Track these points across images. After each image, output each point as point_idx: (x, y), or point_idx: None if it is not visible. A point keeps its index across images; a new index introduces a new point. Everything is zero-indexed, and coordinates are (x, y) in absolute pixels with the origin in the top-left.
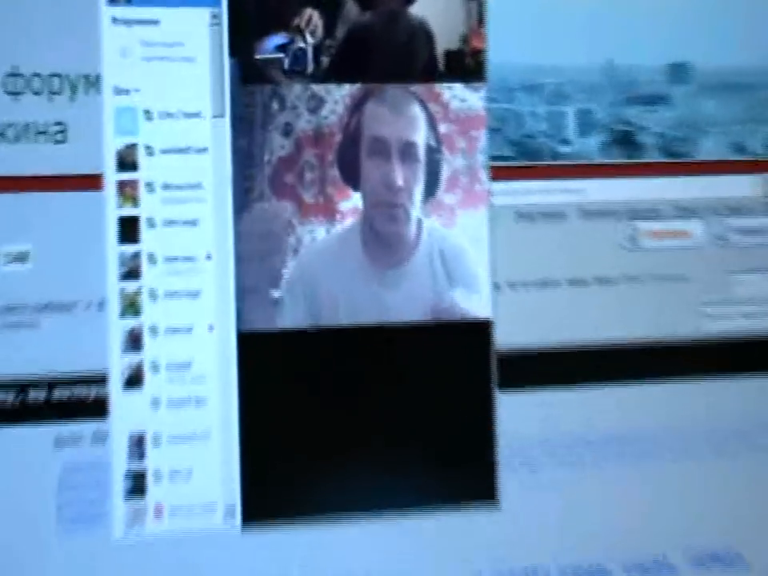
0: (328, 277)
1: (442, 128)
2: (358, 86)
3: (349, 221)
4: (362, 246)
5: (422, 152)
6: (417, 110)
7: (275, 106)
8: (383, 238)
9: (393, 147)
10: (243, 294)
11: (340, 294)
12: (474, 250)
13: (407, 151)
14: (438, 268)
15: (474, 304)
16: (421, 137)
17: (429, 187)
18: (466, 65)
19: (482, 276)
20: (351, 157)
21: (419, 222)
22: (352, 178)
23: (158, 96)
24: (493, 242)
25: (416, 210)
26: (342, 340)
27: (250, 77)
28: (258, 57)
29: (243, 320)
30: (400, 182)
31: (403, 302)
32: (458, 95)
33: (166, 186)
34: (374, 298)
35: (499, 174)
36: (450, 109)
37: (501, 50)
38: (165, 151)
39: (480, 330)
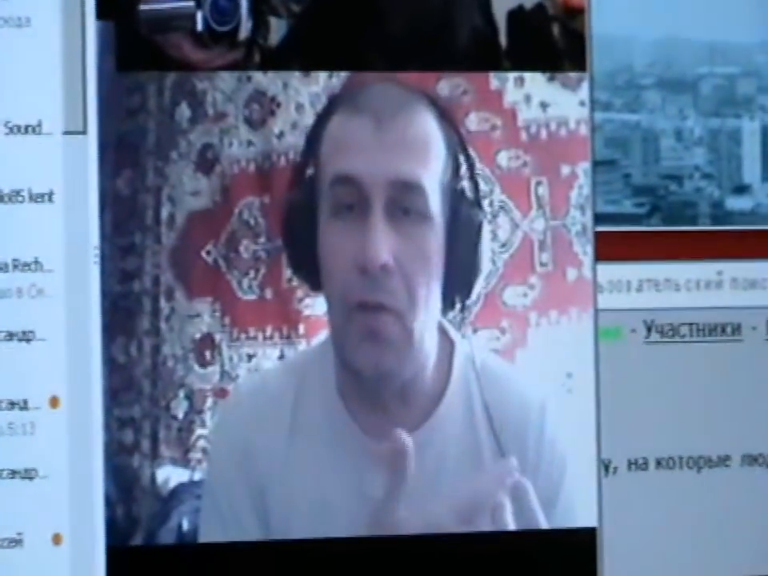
0: (278, 448)
1: (502, 157)
2: (344, 75)
3: (321, 337)
4: (337, 389)
5: (434, 201)
6: (424, 123)
7: (183, 112)
8: (365, 378)
9: (372, 193)
10: (120, 478)
11: (301, 480)
12: (560, 400)
13: (401, 200)
14: (484, 437)
15: (563, 503)
16: (433, 173)
17: (459, 273)
18: (553, 38)
19: (579, 450)
20: (304, 223)
21: (447, 343)
22: (307, 266)
23: None
24: (606, 384)
25: (425, 316)
26: (305, 564)
27: (132, 56)
28: (146, 9)
29: (118, 527)
30: (383, 256)
31: (416, 500)
32: (535, 96)
33: None
34: (363, 491)
35: (616, 249)
36: (517, 121)
37: (619, 11)
38: None
39: (574, 547)
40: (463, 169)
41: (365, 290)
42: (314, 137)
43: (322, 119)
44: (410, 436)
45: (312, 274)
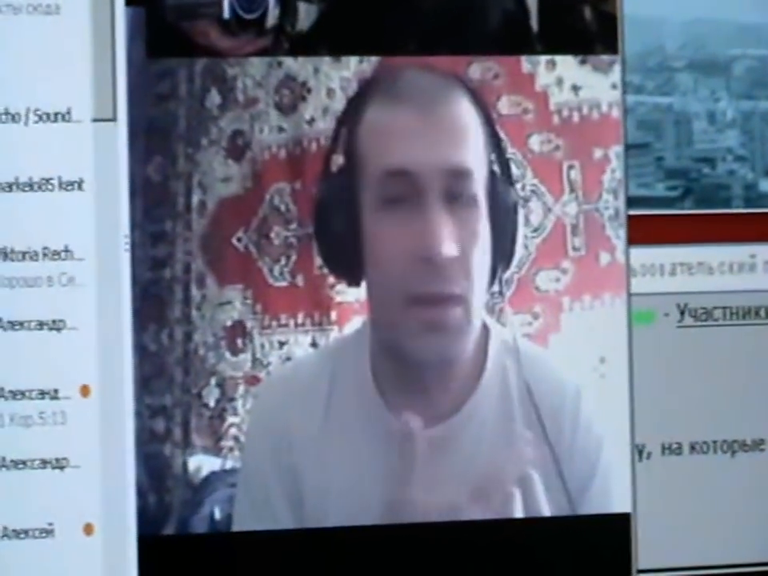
0: (312, 436)
1: (534, 140)
2: (375, 60)
3: (355, 324)
4: (372, 378)
5: (481, 186)
6: (463, 108)
7: (213, 98)
8: (415, 366)
9: (428, 184)
10: (151, 467)
11: (334, 469)
12: (593, 385)
13: (455, 188)
14: (519, 421)
15: (597, 488)
16: (477, 157)
17: (497, 257)
18: (584, 20)
19: (613, 435)
20: (341, 215)
21: (485, 330)
22: (345, 261)
23: None
24: (639, 369)
25: (480, 301)
26: (339, 552)
27: (162, 42)
28: None
29: (150, 516)
30: (447, 246)
31: (452, 487)
32: (567, 79)
33: None
34: (399, 479)
35: (649, 233)
36: (549, 105)
37: None
38: None
39: (608, 532)
40: (496, 153)
41: (429, 281)
42: (349, 124)
43: (357, 106)
44: (448, 421)
45: (349, 267)
